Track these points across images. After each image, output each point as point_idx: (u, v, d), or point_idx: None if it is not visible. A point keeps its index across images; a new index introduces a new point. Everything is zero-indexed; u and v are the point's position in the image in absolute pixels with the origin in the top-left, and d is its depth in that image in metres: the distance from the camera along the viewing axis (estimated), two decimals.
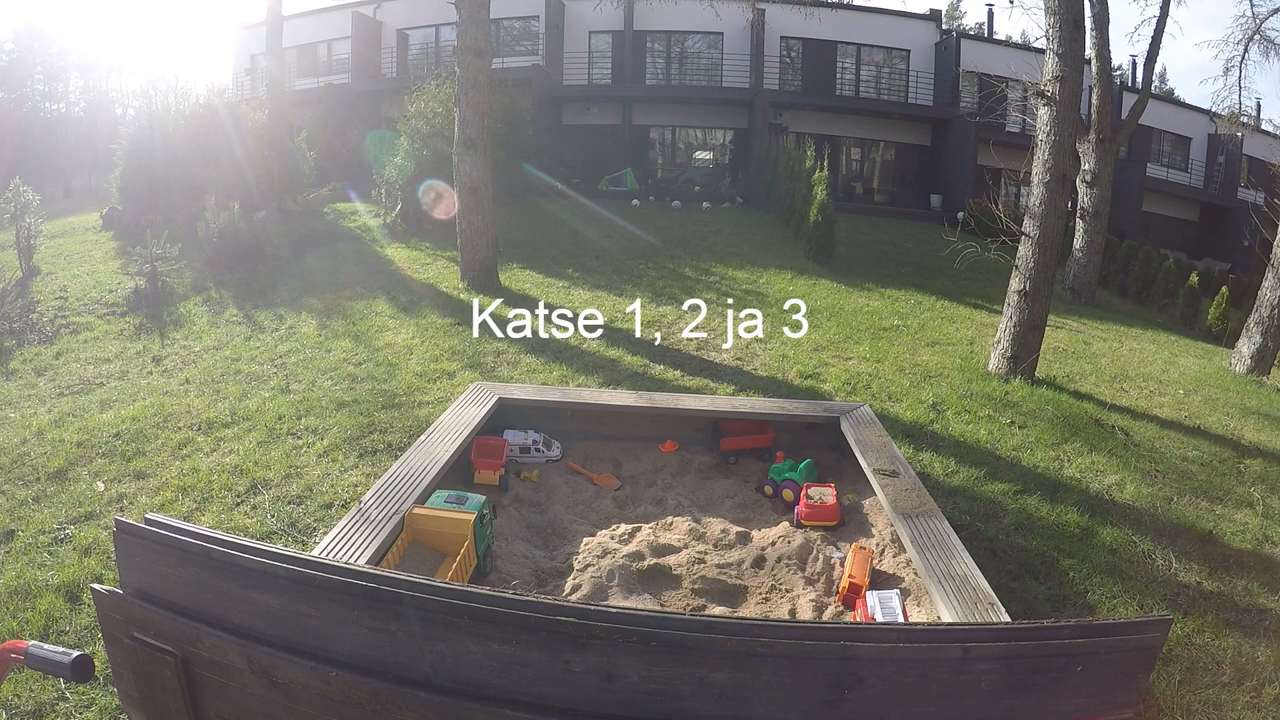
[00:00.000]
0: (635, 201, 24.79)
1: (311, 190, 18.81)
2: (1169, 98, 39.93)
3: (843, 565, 4.00)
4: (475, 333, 10.21)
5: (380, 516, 3.63)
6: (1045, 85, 9.52)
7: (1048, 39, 9.60)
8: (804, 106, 30.32)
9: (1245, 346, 12.88)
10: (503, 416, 5.20)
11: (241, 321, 10.54)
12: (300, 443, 6.98)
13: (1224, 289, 18.41)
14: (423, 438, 4.54)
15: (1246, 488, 7.63)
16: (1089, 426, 8.56)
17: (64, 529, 5.46)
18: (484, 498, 3.98)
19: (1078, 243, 18.13)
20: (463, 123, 12.20)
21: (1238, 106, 22.71)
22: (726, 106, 30.32)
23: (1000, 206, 10.73)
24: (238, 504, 5.94)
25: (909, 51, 31.80)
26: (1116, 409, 9.28)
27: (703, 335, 10.85)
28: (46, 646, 2.02)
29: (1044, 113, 9.55)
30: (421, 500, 3.85)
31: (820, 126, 30.48)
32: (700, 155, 32.47)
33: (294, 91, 26.21)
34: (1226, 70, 21.35)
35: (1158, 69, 37.51)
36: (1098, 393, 9.89)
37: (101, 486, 6.13)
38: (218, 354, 9.41)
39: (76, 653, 1.96)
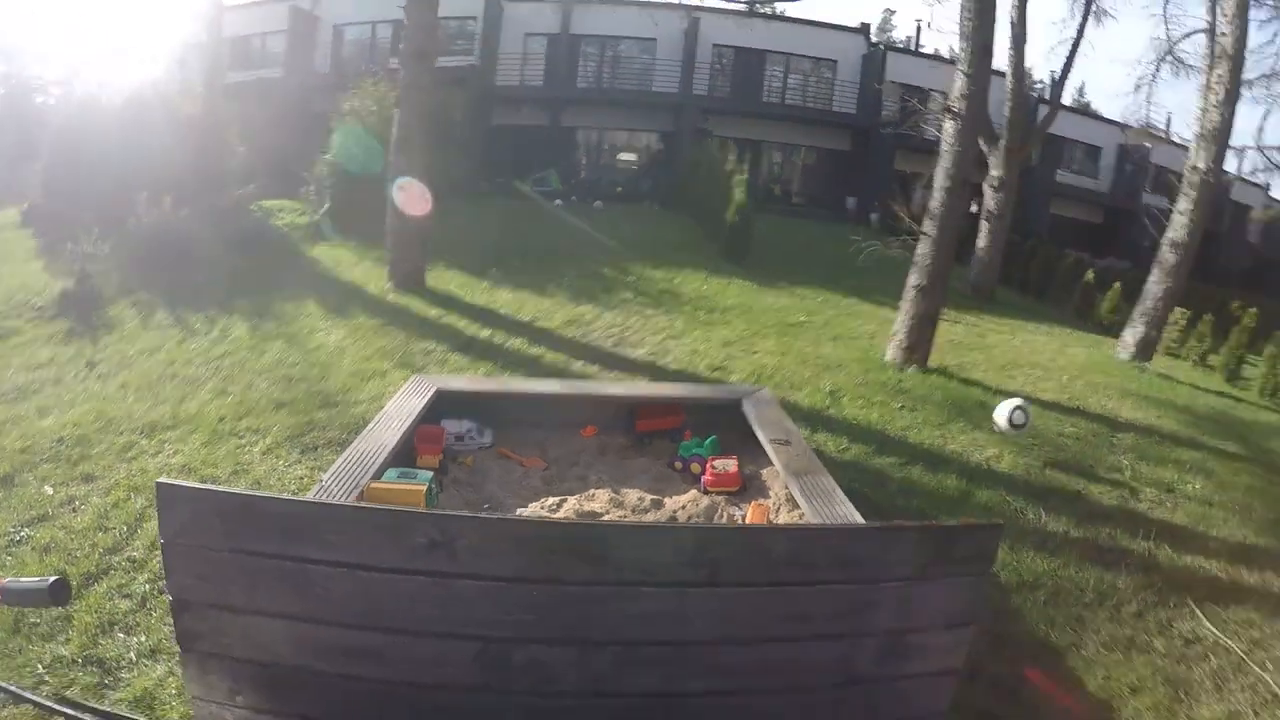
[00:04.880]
0: (559, 201, 25.04)
1: (241, 187, 18.04)
2: (1084, 110, 41.08)
3: (744, 520, 4.54)
4: (405, 333, 10.41)
5: (340, 491, 3.97)
6: (953, 102, 10.20)
7: (959, 61, 10.32)
8: (731, 112, 31.01)
9: (1130, 335, 13.91)
10: (440, 406, 5.53)
11: (174, 325, 10.49)
12: (243, 442, 7.15)
13: (1116, 284, 19.48)
14: (372, 425, 4.88)
15: (1117, 457, 8.44)
16: (974, 409, 9.23)
17: (20, 531, 5.53)
18: (431, 473, 4.39)
19: (981, 242, 19.11)
20: (402, 124, 12.32)
21: (1146, 121, 23.79)
22: (655, 110, 30.93)
23: (905, 207, 11.37)
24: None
25: (836, 62, 32.57)
26: (1002, 393, 9.84)
27: (620, 333, 11.26)
28: (22, 580, 2.20)
29: (949, 126, 10.26)
30: (376, 477, 4.19)
31: (745, 131, 31.17)
32: (624, 157, 32.95)
33: (227, 85, 25.76)
34: (1137, 87, 22.32)
35: (1078, 83, 38.92)
36: (986, 379, 10.62)
37: (50, 490, 6.16)
38: (153, 358, 9.36)
39: (53, 577, 2.16)
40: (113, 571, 5.01)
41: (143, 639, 4.42)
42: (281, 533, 2.66)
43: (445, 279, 13.24)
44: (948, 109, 10.31)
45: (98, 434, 7.16)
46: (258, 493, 2.68)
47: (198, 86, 20.18)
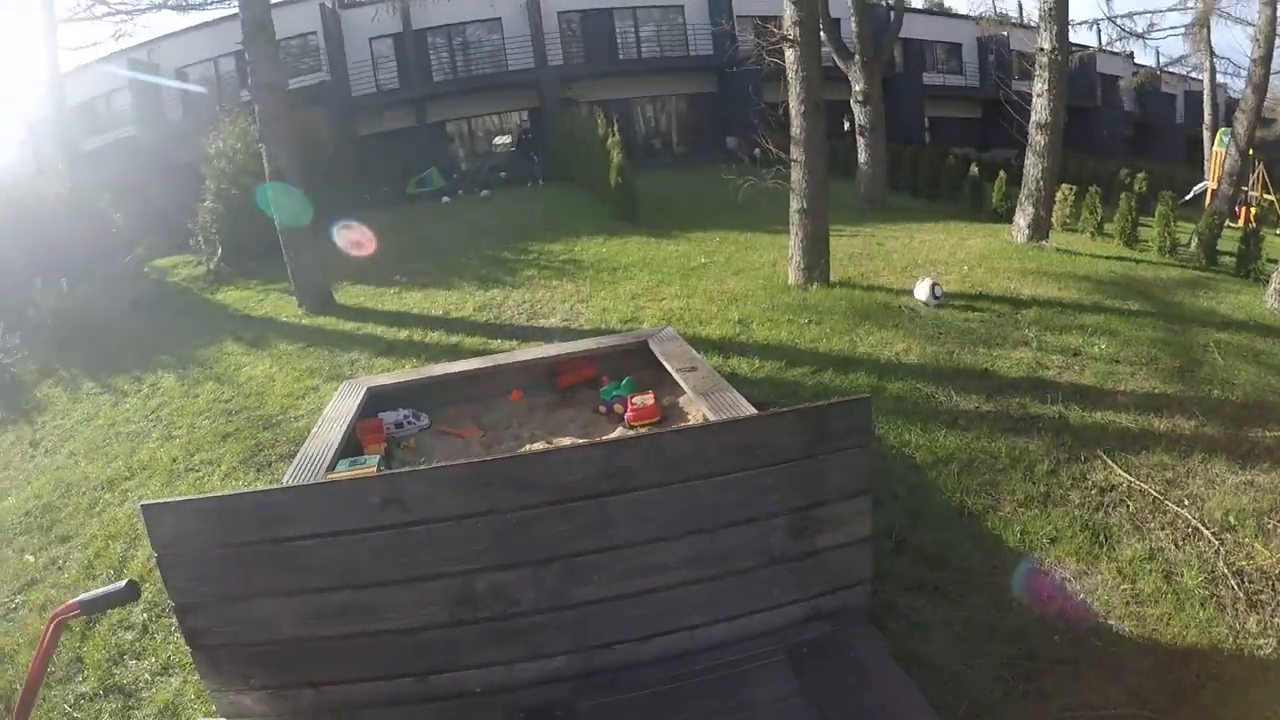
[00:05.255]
0: (445, 199, 24.85)
1: (127, 253, 17.37)
2: (937, 10, 41.53)
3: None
4: (327, 350, 10.48)
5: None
6: (788, 30, 10.37)
7: None
8: (591, 76, 31.02)
9: (1021, 219, 14.24)
10: (373, 404, 5.71)
11: (103, 392, 10.36)
12: (200, 475, 7.30)
13: (1001, 173, 19.79)
14: (315, 429, 5.09)
15: (1022, 332, 8.75)
16: (879, 311, 9.54)
17: (13, 599, 5.74)
18: (379, 456, 4.74)
19: (862, 157, 19.48)
20: (271, 157, 12.16)
21: (992, 8, 24.32)
22: (515, 89, 30.67)
23: (770, 139, 11.55)
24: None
25: (683, 5, 32.60)
26: (905, 293, 10.25)
27: (531, 307, 11.40)
28: (94, 592, 2.76)
29: (790, 54, 10.42)
30: (330, 469, 4.40)
31: (610, 92, 31.12)
32: (500, 141, 32.62)
33: (84, 154, 25.02)
34: None
35: None
36: (889, 284, 10.88)
37: (31, 558, 6.31)
38: (92, 424, 9.35)
39: (125, 581, 2.78)
40: (111, 611, 5.17)
41: (153, 660, 4.78)
42: (258, 521, 2.99)
43: (353, 295, 13.24)
44: (784, 38, 10.51)
45: (61, 500, 7.30)
46: (230, 492, 3.00)
47: (56, 163, 19.49)
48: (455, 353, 9.77)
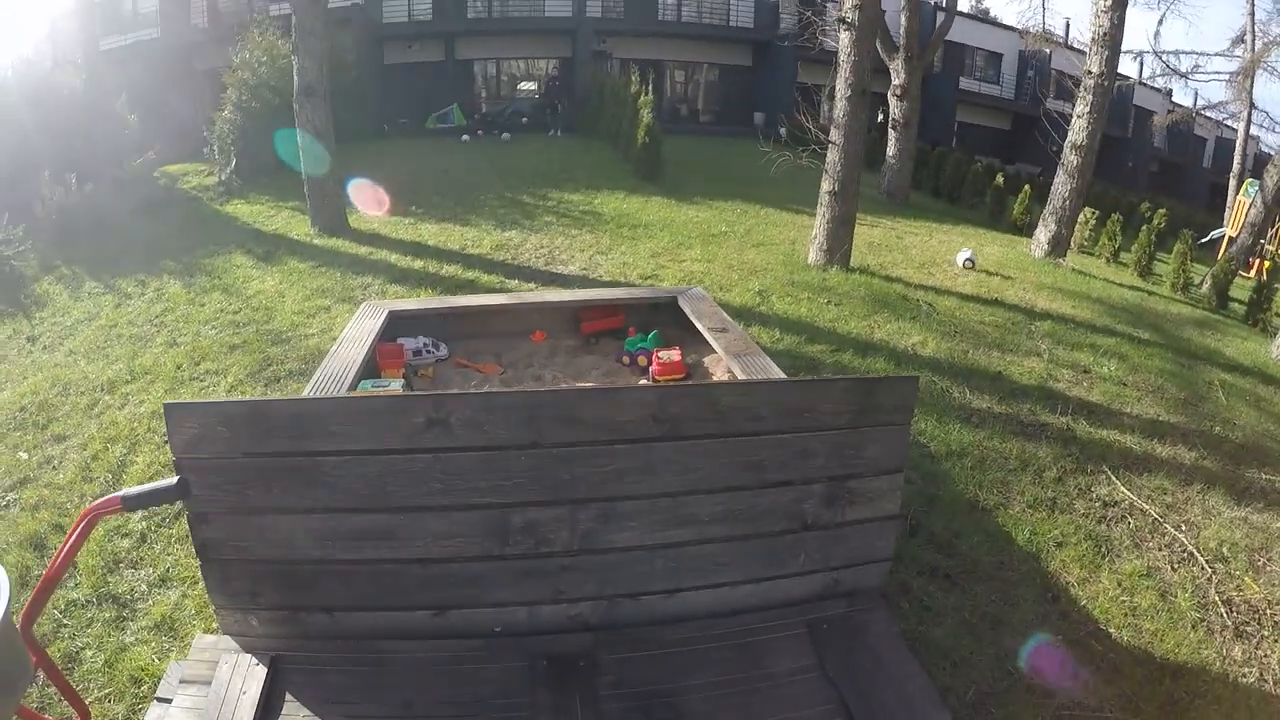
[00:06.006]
0: (465, 137, 24.76)
1: (138, 156, 16.94)
2: (983, 17, 41.33)
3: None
4: (339, 272, 10.40)
5: None
6: (846, 13, 10.36)
7: None
8: (627, 32, 30.77)
9: (1042, 234, 14.32)
10: (393, 328, 5.62)
11: (105, 292, 10.24)
12: (206, 384, 7.16)
13: (1027, 187, 19.78)
14: (335, 346, 4.95)
15: (1035, 342, 8.85)
16: (897, 301, 9.66)
17: (5, 497, 5.60)
18: (402, 381, 4.66)
19: (890, 150, 19.48)
20: (301, 70, 11.95)
21: (1042, 26, 24.26)
22: (550, 36, 30.44)
23: (810, 120, 11.56)
24: (167, 441, 6.09)
25: None
26: (923, 288, 10.40)
27: (549, 253, 11.41)
28: (139, 487, 2.59)
29: (845, 36, 10.41)
30: (352, 388, 4.30)
31: (644, 51, 30.97)
32: (525, 87, 32.42)
33: (103, 52, 24.28)
34: None
35: None
36: (907, 276, 11.01)
37: (25, 455, 6.18)
38: (92, 324, 9.21)
39: (175, 478, 2.62)
40: (107, 516, 5.06)
41: (150, 571, 4.65)
42: (290, 431, 2.85)
43: (367, 219, 13.21)
44: (841, 19, 10.50)
45: (58, 398, 7.16)
46: (262, 397, 2.88)
47: (76, 57, 19.05)
48: (471, 288, 9.80)
